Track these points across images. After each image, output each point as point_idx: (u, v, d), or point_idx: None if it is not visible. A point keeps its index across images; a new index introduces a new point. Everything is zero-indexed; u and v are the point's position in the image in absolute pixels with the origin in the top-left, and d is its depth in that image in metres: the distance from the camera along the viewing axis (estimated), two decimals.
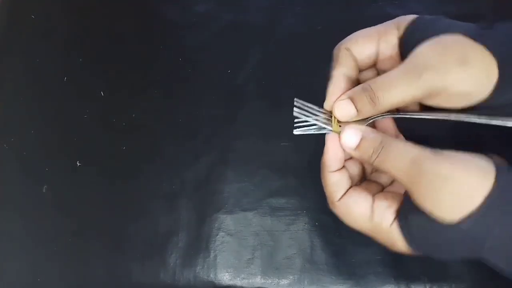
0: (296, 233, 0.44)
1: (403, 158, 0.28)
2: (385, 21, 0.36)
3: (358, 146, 0.31)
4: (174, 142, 0.48)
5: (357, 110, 0.31)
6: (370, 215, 0.31)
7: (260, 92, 0.50)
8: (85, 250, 0.45)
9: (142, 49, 0.53)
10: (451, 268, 0.42)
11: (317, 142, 0.48)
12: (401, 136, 0.36)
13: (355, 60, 0.34)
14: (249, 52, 0.52)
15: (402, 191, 0.32)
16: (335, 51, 0.35)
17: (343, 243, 0.44)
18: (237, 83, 0.51)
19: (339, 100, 0.32)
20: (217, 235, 0.44)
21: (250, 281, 0.43)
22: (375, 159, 0.30)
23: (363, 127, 0.32)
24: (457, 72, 0.29)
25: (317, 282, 0.43)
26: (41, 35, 0.54)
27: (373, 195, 0.32)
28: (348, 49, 0.33)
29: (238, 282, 0.43)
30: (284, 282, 0.43)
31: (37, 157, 0.48)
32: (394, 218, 0.30)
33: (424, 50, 0.30)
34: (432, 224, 0.27)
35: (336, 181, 0.33)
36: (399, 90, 0.29)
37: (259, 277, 0.43)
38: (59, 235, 0.45)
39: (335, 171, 0.33)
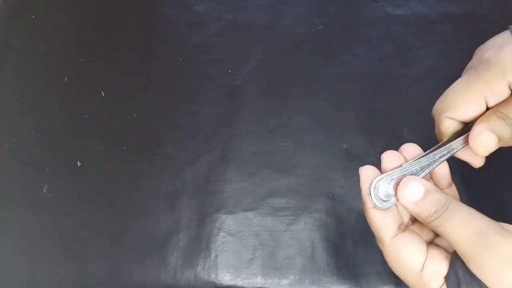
0: (297, 233, 0.44)
1: (467, 227, 0.27)
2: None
3: (419, 202, 0.29)
4: (174, 142, 0.48)
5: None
6: (420, 269, 0.28)
7: (260, 92, 0.50)
8: (85, 250, 0.45)
9: (142, 49, 0.53)
10: None
11: (317, 142, 0.48)
12: (454, 186, 0.33)
13: (462, 122, 0.31)
14: (249, 52, 0.52)
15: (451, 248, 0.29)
16: (436, 119, 0.32)
17: (343, 243, 0.44)
18: (237, 83, 0.51)
19: (482, 135, 0.29)
20: (217, 235, 0.44)
21: (251, 281, 0.43)
22: (435, 220, 0.28)
23: (427, 182, 0.29)
24: None
25: (317, 282, 0.43)
26: (41, 35, 0.54)
27: (427, 244, 0.29)
28: (450, 118, 0.31)
29: (238, 282, 0.43)
30: (285, 282, 0.43)
31: (37, 157, 0.48)
32: (443, 283, 0.28)
33: None
34: None
35: (384, 218, 0.30)
36: None
37: (260, 277, 0.43)
38: (59, 235, 0.45)
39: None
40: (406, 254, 0.29)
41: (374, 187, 0.30)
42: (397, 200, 0.30)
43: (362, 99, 0.49)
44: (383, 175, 0.30)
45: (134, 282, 0.43)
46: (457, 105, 0.30)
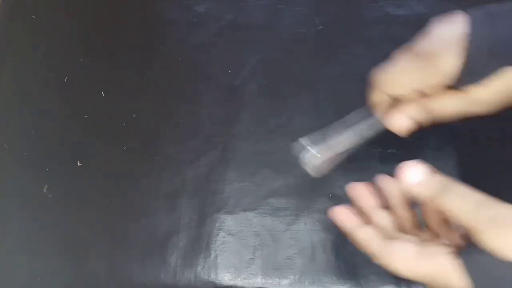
0: (297, 233, 0.44)
1: (468, 199, 0.29)
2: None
3: (421, 182, 0.30)
4: (174, 142, 0.48)
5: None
6: (419, 250, 0.30)
7: (260, 92, 0.50)
8: (85, 250, 0.45)
9: (142, 49, 0.53)
10: None
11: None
12: None
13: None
14: (249, 52, 0.52)
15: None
16: (372, 91, 0.36)
17: (343, 243, 0.44)
18: (237, 83, 0.51)
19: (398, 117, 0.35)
20: (217, 235, 0.44)
21: (251, 281, 0.43)
22: (438, 197, 0.29)
23: (426, 165, 0.31)
24: None
25: (317, 282, 0.43)
26: (41, 35, 0.54)
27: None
28: (382, 93, 0.35)
29: (238, 282, 0.43)
30: (285, 282, 0.43)
31: (37, 157, 0.48)
32: (451, 255, 0.29)
33: None
34: (500, 263, 0.26)
35: (368, 233, 0.33)
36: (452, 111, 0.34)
37: (260, 277, 0.43)
38: (59, 235, 0.45)
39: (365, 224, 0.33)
40: (398, 246, 0.31)
41: None
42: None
43: (362, 99, 0.48)
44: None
45: (134, 282, 0.43)
46: (394, 88, 0.34)
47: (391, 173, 0.46)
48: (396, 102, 0.36)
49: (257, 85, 0.51)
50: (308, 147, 0.38)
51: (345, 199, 0.45)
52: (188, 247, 0.44)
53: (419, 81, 0.33)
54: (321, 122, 0.48)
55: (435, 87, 0.33)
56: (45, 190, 0.47)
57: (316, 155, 0.38)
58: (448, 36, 0.32)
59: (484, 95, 0.32)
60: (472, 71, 0.31)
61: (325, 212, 0.45)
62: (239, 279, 0.43)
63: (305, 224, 0.44)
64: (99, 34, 0.54)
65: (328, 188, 0.46)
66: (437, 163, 0.46)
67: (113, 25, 0.54)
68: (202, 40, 0.53)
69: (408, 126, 0.35)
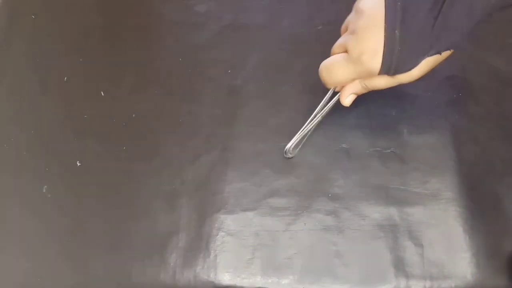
0: (297, 233, 0.44)
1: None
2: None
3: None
4: (174, 142, 0.48)
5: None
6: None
7: (260, 92, 0.50)
8: (85, 250, 0.45)
9: (142, 49, 0.53)
10: (451, 267, 0.42)
11: (317, 142, 0.48)
12: None
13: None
14: (249, 52, 0.52)
15: None
16: (332, 52, 0.44)
17: (343, 242, 0.44)
18: (237, 83, 0.51)
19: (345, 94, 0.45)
20: (217, 235, 0.44)
21: (251, 281, 0.43)
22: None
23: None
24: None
25: (317, 282, 0.43)
26: (41, 35, 0.54)
27: None
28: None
29: (238, 282, 0.43)
30: (285, 282, 0.43)
31: (37, 157, 0.48)
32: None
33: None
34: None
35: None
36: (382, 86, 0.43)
37: (260, 277, 0.43)
38: (59, 235, 0.45)
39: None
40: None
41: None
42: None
43: (362, 99, 0.48)
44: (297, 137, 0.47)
45: (134, 282, 0.43)
46: (338, 83, 0.44)
47: (391, 173, 0.46)
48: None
49: (257, 85, 0.51)
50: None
51: (345, 199, 0.45)
52: (187, 247, 0.44)
53: (353, 76, 0.42)
54: (321, 122, 0.48)
55: (368, 78, 0.42)
56: (45, 190, 0.47)
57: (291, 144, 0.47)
58: (371, 38, 0.38)
59: (408, 78, 0.40)
60: (395, 68, 0.38)
61: (325, 212, 0.45)
62: (238, 279, 0.43)
63: (305, 224, 0.44)
64: (99, 34, 0.54)
65: (328, 188, 0.46)
66: (437, 163, 0.46)
67: (113, 25, 0.54)
68: (202, 40, 0.53)
69: (352, 99, 0.44)
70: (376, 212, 0.45)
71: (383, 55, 0.37)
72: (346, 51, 0.41)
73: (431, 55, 0.38)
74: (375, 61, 0.38)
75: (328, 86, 0.45)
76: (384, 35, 0.36)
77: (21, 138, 0.49)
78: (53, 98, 0.51)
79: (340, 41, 0.42)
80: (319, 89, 0.46)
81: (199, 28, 0.54)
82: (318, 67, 0.44)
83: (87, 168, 0.48)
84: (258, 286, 0.43)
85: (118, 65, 0.52)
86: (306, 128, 0.46)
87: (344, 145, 0.47)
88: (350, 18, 0.42)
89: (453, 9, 0.34)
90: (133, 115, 0.50)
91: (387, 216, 0.44)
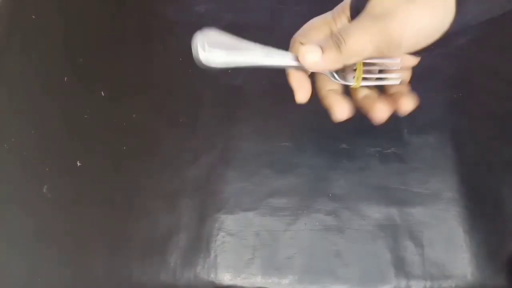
0: (297, 233, 0.44)
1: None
2: None
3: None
4: (174, 142, 0.48)
5: (324, 57, 0.31)
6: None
7: (260, 92, 0.50)
8: (85, 250, 0.45)
9: (142, 49, 0.53)
10: (451, 267, 0.42)
11: (317, 142, 0.48)
12: None
13: None
14: None
15: None
16: (291, 44, 0.35)
17: (343, 242, 0.44)
18: (237, 83, 0.51)
19: (306, 45, 0.31)
20: (217, 235, 0.44)
21: (251, 281, 0.43)
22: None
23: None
24: (409, 11, 0.29)
25: (317, 282, 0.43)
26: (41, 35, 0.54)
27: None
28: (302, 43, 0.33)
29: (238, 282, 0.43)
30: (285, 282, 0.43)
31: (37, 157, 0.48)
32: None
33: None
34: None
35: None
36: (361, 36, 0.30)
37: (260, 277, 0.43)
38: (59, 235, 0.45)
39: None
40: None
41: None
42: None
43: None
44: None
45: (134, 282, 0.43)
46: (309, 33, 0.34)
47: (391, 173, 0.46)
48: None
49: (257, 85, 0.51)
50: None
51: (345, 199, 0.45)
52: (188, 247, 0.44)
53: (328, 19, 0.35)
54: (321, 122, 0.48)
55: (344, 23, 0.34)
56: (45, 190, 0.47)
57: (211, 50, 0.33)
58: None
59: (384, 6, 0.30)
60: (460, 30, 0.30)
61: (325, 212, 0.45)
62: (238, 279, 0.43)
63: (305, 224, 0.44)
64: (99, 34, 0.54)
65: (328, 188, 0.46)
66: (437, 163, 0.46)
67: (113, 25, 0.54)
68: None
69: (316, 57, 0.31)
70: (376, 212, 0.45)
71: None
72: None
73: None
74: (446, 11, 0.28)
75: (296, 45, 0.35)
76: None
77: (21, 138, 0.49)
78: (53, 98, 0.51)
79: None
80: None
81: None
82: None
83: (87, 168, 0.48)
84: (258, 286, 0.43)
85: (118, 65, 0.52)
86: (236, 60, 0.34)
87: (344, 145, 0.47)
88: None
89: None
90: (133, 115, 0.50)
91: (387, 216, 0.44)
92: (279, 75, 0.51)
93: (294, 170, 0.47)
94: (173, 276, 0.43)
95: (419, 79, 0.43)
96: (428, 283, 0.42)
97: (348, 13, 0.33)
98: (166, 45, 0.53)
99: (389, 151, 0.47)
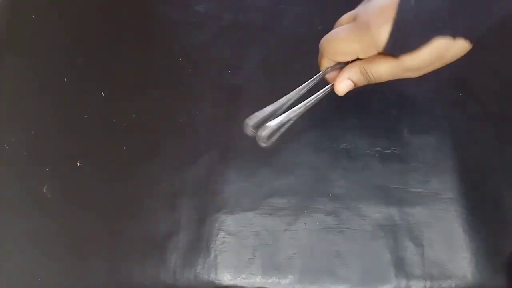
0: (297, 233, 0.44)
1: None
2: None
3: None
4: (174, 142, 0.48)
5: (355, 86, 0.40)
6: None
7: (260, 92, 0.50)
8: (85, 250, 0.45)
9: (142, 49, 0.53)
10: (451, 267, 0.42)
11: (317, 142, 0.48)
12: None
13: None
14: (249, 52, 0.52)
15: None
16: (320, 54, 0.41)
17: (343, 242, 0.44)
18: (237, 83, 0.51)
19: (341, 78, 0.39)
20: (217, 235, 0.44)
21: (251, 281, 0.43)
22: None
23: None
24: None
25: (317, 282, 0.43)
26: (41, 35, 0.54)
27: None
28: (330, 58, 0.40)
29: (238, 282, 0.43)
30: (285, 282, 0.43)
31: (37, 157, 0.48)
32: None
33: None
34: None
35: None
36: (387, 76, 0.38)
37: (260, 277, 0.43)
38: (59, 235, 0.45)
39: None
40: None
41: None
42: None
43: (362, 99, 0.49)
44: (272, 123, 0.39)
45: (134, 282, 0.43)
46: (337, 54, 0.39)
47: (391, 173, 0.46)
48: (339, 66, 0.41)
49: (257, 85, 0.51)
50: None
51: (345, 199, 0.45)
52: (188, 247, 0.44)
53: (357, 50, 0.37)
54: (321, 122, 0.48)
55: (371, 54, 0.37)
56: (45, 190, 0.47)
57: (266, 126, 0.39)
58: (384, 4, 0.34)
59: (415, 63, 0.36)
60: (403, 42, 0.35)
61: (325, 212, 0.45)
62: (238, 279, 0.43)
63: (305, 224, 0.44)
64: (99, 34, 0.54)
65: (328, 188, 0.46)
66: (437, 163, 0.46)
67: (113, 25, 0.54)
68: (202, 40, 0.53)
69: (348, 88, 0.39)
70: (376, 212, 0.45)
71: (393, 23, 0.34)
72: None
73: (443, 35, 0.34)
74: (384, 29, 0.34)
75: (324, 60, 0.40)
76: (398, 2, 0.33)
77: (21, 138, 0.49)
78: (53, 98, 0.51)
79: (347, 14, 0.39)
80: (319, 89, 0.46)
81: (199, 28, 0.54)
82: (318, 67, 0.44)
83: (87, 168, 0.48)
84: (258, 286, 0.43)
85: (118, 65, 0.52)
86: (286, 117, 0.40)
87: (344, 145, 0.47)
88: (362, 3, 0.38)
89: None
90: (133, 115, 0.50)
91: (387, 216, 0.44)
92: (279, 75, 0.51)
93: (294, 170, 0.47)
94: (173, 276, 0.43)
95: (419, 79, 0.43)
96: (428, 283, 0.42)
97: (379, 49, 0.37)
98: (166, 45, 0.53)
99: (389, 151, 0.47)
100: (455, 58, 0.36)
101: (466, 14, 0.33)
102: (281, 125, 0.40)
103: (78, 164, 0.48)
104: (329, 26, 0.52)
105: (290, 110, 0.40)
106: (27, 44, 0.54)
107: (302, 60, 0.51)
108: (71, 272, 0.44)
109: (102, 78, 0.52)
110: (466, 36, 0.34)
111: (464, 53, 0.36)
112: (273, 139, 0.40)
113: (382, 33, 0.34)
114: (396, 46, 0.35)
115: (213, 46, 0.53)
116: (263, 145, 0.39)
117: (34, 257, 0.45)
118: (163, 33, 0.54)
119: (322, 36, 0.52)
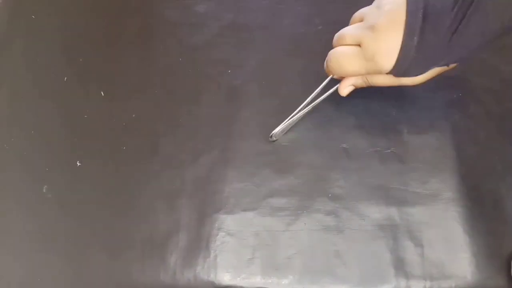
0: (297, 233, 0.44)
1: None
2: None
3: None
4: (174, 142, 0.48)
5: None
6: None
7: (260, 92, 0.50)
8: (85, 250, 0.45)
9: (142, 49, 0.53)
10: (451, 267, 0.42)
11: (317, 142, 0.48)
12: None
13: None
14: (249, 52, 0.52)
15: None
16: (327, 69, 0.46)
17: (343, 242, 0.44)
18: (237, 83, 0.51)
19: (345, 84, 0.46)
20: (217, 235, 0.44)
21: (251, 281, 0.43)
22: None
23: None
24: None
25: (317, 282, 0.43)
26: (41, 35, 0.54)
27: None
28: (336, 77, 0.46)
29: (238, 282, 0.43)
30: (285, 282, 0.43)
31: (37, 157, 0.48)
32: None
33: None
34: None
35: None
36: (384, 83, 0.44)
37: (259, 277, 0.43)
38: (59, 235, 0.45)
39: None
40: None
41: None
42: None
43: (362, 99, 0.49)
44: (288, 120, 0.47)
45: (134, 282, 0.43)
46: (344, 75, 0.45)
47: (391, 173, 0.46)
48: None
49: (257, 85, 0.51)
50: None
51: (345, 199, 0.45)
52: (187, 247, 0.44)
53: (362, 72, 0.42)
54: (321, 122, 0.48)
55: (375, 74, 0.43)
56: (45, 190, 0.47)
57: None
58: (389, 39, 0.38)
59: (412, 82, 0.42)
60: (403, 74, 0.40)
61: (325, 212, 0.45)
62: (238, 279, 0.43)
63: (305, 224, 0.44)
64: (99, 34, 0.54)
65: (328, 188, 0.46)
66: (437, 163, 0.46)
67: (113, 25, 0.54)
68: (202, 40, 0.53)
69: (350, 90, 0.46)
70: (376, 212, 0.45)
71: (397, 58, 0.38)
72: (358, 45, 0.41)
73: (440, 66, 0.40)
74: (388, 62, 0.39)
75: (332, 74, 0.45)
76: (402, 40, 0.37)
77: (21, 138, 0.49)
78: (53, 98, 0.51)
79: (353, 31, 0.42)
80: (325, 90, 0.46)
81: (199, 28, 0.54)
82: (318, 67, 0.44)
83: (87, 168, 0.48)
84: (258, 286, 0.43)
85: (118, 65, 0.52)
86: (295, 115, 0.46)
87: (344, 145, 0.47)
88: (368, 11, 0.41)
89: (469, 28, 0.35)
90: (133, 115, 0.50)
91: (387, 216, 0.44)
92: (279, 75, 0.51)
93: (294, 170, 0.47)
94: (172, 276, 0.43)
95: (419, 85, 0.43)
96: (428, 283, 0.42)
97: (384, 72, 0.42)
98: (166, 45, 0.53)
99: (389, 151, 0.47)
100: (445, 71, 0.42)
101: (462, 47, 0.37)
102: (289, 123, 0.47)
103: (78, 164, 0.48)
104: (329, 26, 0.52)
105: (297, 109, 0.46)
106: (27, 44, 0.54)
107: (302, 60, 0.52)
108: (71, 272, 0.44)
109: (102, 78, 0.52)
110: (459, 61, 0.40)
111: (453, 68, 0.42)
112: (280, 135, 0.47)
113: (387, 65, 0.39)
114: (398, 74, 0.40)
115: (213, 46, 0.53)
116: (274, 139, 0.47)
117: (34, 257, 0.45)
118: (163, 33, 0.54)
119: (322, 36, 0.52)
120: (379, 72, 0.41)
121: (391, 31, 0.38)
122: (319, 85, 0.45)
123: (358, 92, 0.47)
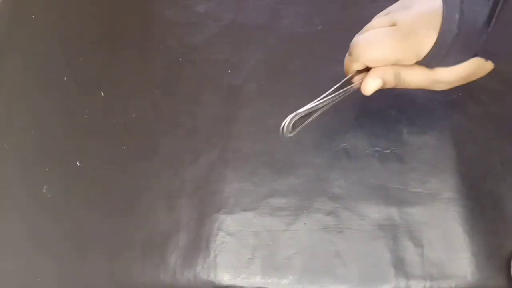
0: (296, 233, 0.44)
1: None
2: None
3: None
4: (174, 142, 0.48)
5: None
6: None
7: (260, 92, 0.50)
8: (85, 250, 0.45)
9: (142, 49, 0.53)
10: (451, 267, 0.42)
11: (317, 142, 0.48)
12: None
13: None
14: (249, 52, 0.52)
15: None
16: (351, 56, 0.39)
17: (343, 242, 0.44)
18: (237, 83, 0.51)
19: (372, 76, 0.38)
20: (217, 235, 0.44)
21: (250, 281, 0.43)
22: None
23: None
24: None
25: (317, 282, 0.43)
26: (41, 35, 0.54)
27: None
28: (362, 64, 0.38)
29: (238, 282, 0.43)
30: (284, 282, 0.43)
31: (37, 157, 0.48)
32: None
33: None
34: None
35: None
36: (417, 83, 0.38)
37: (259, 277, 0.43)
38: (59, 235, 0.45)
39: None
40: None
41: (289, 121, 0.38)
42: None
43: (362, 99, 0.48)
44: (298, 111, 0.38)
45: (134, 282, 0.43)
46: (377, 61, 0.37)
47: (391, 173, 0.46)
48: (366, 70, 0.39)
49: (257, 85, 0.51)
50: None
51: (345, 199, 0.45)
52: (187, 247, 0.44)
53: (399, 58, 0.36)
54: (321, 122, 0.48)
55: (410, 63, 0.36)
56: (45, 190, 0.47)
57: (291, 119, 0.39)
58: (428, 12, 0.34)
59: (449, 77, 0.36)
60: (442, 57, 0.35)
61: (324, 212, 0.45)
62: (238, 279, 0.43)
63: (305, 224, 0.44)
64: (98, 34, 0.54)
65: (328, 188, 0.46)
66: (437, 163, 0.46)
67: (113, 25, 0.54)
68: (202, 40, 0.53)
69: (377, 87, 0.38)
70: (376, 212, 0.45)
71: (439, 32, 0.34)
72: (392, 26, 0.36)
73: (479, 57, 0.35)
74: (429, 37, 0.34)
75: (356, 64, 0.39)
76: (442, 14, 0.33)
77: (21, 138, 0.49)
78: (53, 98, 0.51)
79: (383, 16, 0.38)
80: (319, 89, 0.46)
81: (199, 28, 0.54)
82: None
83: (86, 168, 0.48)
84: (258, 286, 0.43)
85: (118, 65, 0.52)
86: (312, 109, 0.40)
87: (344, 145, 0.47)
88: (394, 5, 0.38)
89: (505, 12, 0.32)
90: (133, 115, 0.50)
91: (387, 216, 0.44)
92: (279, 75, 0.51)
93: (294, 170, 0.47)
94: (172, 276, 0.43)
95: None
96: (428, 283, 0.42)
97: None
98: (166, 45, 0.53)
99: (389, 151, 0.47)
100: (480, 76, 0.37)
101: (504, 41, 0.34)
102: (305, 118, 0.40)
103: (78, 164, 0.48)
104: (329, 26, 0.52)
105: (318, 102, 0.40)
106: (27, 44, 0.54)
107: (302, 60, 0.51)
108: (71, 272, 0.44)
109: (102, 78, 0.52)
110: (495, 59, 0.35)
111: (487, 72, 0.37)
112: (297, 129, 0.40)
113: (428, 40, 0.34)
114: (435, 59, 0.35)
115: (213, 46, 0.53)
116: (288, 135, 0.39)
117: (34, 257, 0.45)
118: (163, 33, 0.54)
119: (322, 36, 0.52)
120: (415, 55, 0.35)
121: (430, 7, 0.34)
122: (319, 85, 0.45)
123: (358, 92, 0.47)
